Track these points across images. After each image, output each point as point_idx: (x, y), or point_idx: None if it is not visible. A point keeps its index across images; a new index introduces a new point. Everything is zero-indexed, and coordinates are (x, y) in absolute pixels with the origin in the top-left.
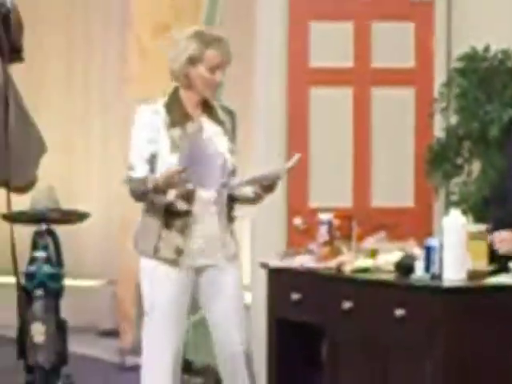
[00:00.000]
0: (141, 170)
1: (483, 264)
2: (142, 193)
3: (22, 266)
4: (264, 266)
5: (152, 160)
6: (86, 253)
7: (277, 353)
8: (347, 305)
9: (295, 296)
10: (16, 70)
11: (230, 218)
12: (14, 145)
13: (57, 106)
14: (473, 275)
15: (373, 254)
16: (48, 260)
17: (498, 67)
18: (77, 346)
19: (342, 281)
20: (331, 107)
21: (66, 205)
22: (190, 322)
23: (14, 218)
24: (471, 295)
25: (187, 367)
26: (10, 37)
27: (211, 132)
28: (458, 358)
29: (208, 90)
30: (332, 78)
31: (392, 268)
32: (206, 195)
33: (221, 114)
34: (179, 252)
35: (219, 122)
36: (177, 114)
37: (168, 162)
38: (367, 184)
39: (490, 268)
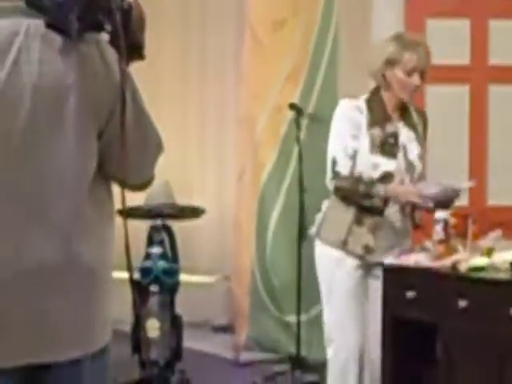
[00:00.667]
0: (344, 166)
1: None
2: (357, 193)
3: (138, 262)
4: (379, 263)
5: (355, 156)
6: (201, 248)
7: (392, 350)
8: (462, 303)
9: (410, 294)
10: (133, 67)
11: (413, 223)
12: (131, 144)
13: (172, 102)
14: None
15: (489, 252)
16: (163, 255)
17: None
18: (191, 341)
19: (458, 279)
20: (448, 105)
21: (180, 200)
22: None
23: (129, 213)
24: None
25: (300, 363)
26: (129, 34)
27: (405, 137)
28: None
29: (404, 92)
30: (448, 75)
31: (508, 266)
32: None
33: (415, 118)
34: (368, 250)
35: (413, 127)
36: (378, 113)
37: (369, 162)
38: (483, 182)
39: None
